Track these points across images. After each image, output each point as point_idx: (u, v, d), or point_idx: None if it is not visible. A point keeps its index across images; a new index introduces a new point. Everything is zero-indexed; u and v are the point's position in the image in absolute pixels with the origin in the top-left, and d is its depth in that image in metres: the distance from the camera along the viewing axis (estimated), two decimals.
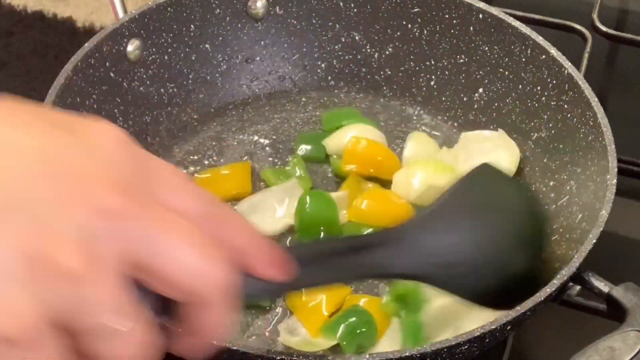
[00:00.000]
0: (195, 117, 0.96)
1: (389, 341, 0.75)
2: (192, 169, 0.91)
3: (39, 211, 0.40)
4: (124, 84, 0.89)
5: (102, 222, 0.41)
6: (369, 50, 0.98)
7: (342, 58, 0.99)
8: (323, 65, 1.00)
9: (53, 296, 0.39)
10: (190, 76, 0.95)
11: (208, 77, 0.96)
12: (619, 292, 0.69)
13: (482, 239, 0.60)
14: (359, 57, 0.99)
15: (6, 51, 2.02)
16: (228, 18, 0.96)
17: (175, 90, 0.94)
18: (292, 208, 0.84)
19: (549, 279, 0.66)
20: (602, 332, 0.66)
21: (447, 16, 0.93)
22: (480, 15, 0.91)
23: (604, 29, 1.04)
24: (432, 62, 0.96)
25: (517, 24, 0.89)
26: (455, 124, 0.96)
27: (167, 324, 0.46)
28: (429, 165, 0.87)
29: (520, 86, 0.90)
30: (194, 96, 0.96)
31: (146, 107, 0.92)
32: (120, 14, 0.99)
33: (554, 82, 0.86)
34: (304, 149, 0.93)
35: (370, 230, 0.82)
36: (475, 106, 0.95)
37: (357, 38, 0.98)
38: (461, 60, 0.95)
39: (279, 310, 0.79)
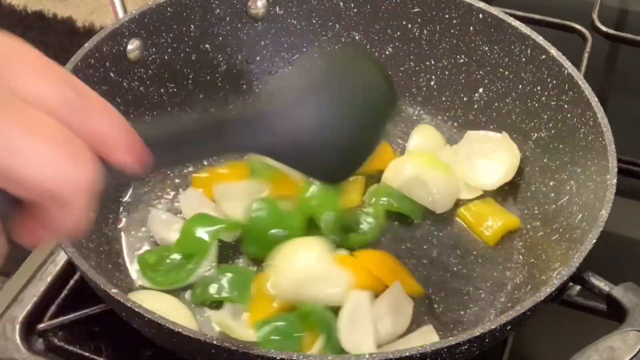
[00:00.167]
0: (195, 117, 0.96)
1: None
2: (191, 168, 0.91)
3: None
4: (124, 84, 0.89)
5: None
6: (368, 50, 0.98)
7: None
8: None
9: None
10: (190, 76, 0.95)
11: (208, 77, 0.96)
12: (619, 292, 0.69)
13: (335, 120, 0.59)
14: None
15: None
16: (228, 18, 0.96)
17: (175, 90, 0.94)
18: None
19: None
20: (602, 332, 0.66)
21: (447, 16, 0.93)
22: (480, 15, 0.91)
23: (604, 29, 1.04)
24: (432, 62, 0.96)
25: (517, 24, 0.89)
26: (455, 124, 0.96)
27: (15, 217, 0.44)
28: (422, 159, 0.88)
29: (520, 86, 0.90)
30: (194, 96, 0.96)
31: (146, 107, 0.92)
32: (120, 14, 0.99)
33: (554, 82, 0.86)
34: None
35: None
36: (475, 106, 0.95)
37: (357, 38, 0.98)
38: (461, 60, 0.95)
39: None
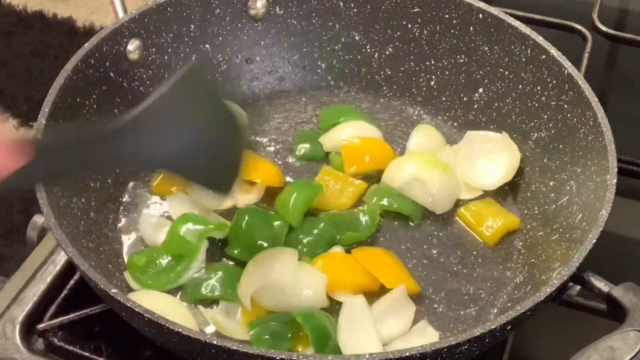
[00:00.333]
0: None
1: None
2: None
3: None
4: (124, 84, 0.89)
5: None
6: (369, 50, 0.98)
7: (342, 58, 0.99)
8: (323, 65, 1.00)
9: None
10: None
11: (208, 77, 0.96)
12: (619, 292, 0.69)
13: (198, 132, 0.71)
14: (359, 57, 0.99)
15: (6, 51, 2.03)
16: (228, 18, 0.96)
17: None
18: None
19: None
20: (602, 332, 0.66)
21: (447, 16, 0.93)
22: (480, 15, 0.91)
23: (604, 29, 1.04)
24: (432, 62, 0.96)
25: (517, 24, 0.89)
26: (455, 124, 0.96)
27: None
28: (422, 159, 0.88)
29: (520, 86, 0.90)
30: None
31: None
32: (120, 14, 0.99)
33: (554, 82, 0.86)
34: (302, 148, 0.93)
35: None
36: (475, 106, 0.95)
37: (357, 38, 0.98)
38: (461, 60, 0.95)
39: None
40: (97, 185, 0.85)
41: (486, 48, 0.92)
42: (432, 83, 0.97)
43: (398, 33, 0.97)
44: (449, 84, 0.96)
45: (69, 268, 0.81)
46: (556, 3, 1.16)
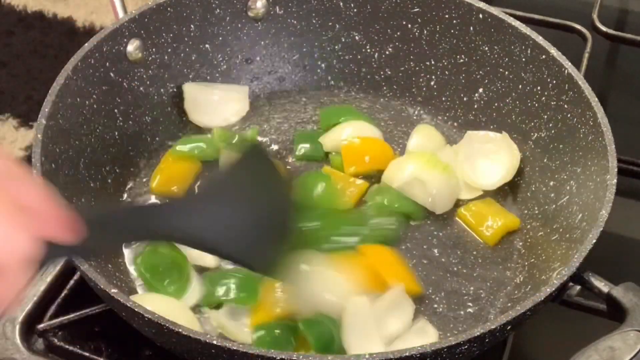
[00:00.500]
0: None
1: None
2: None
3: None
4: (124, 84, 0.89)
5: None
6: (369, 50, 0.98)
7: (342, 58, 0.99)
8: (323, 65, 1.00)
9: None
10: (190, 76, 0.95)
11: (208, 77, 0.96)
12: (619, 292, 0.69)
13: (248, 215, 0.67)
14: (359, 57, 0.99)
15: (6, 51, 2.02)
16: (228, 18, 0.96)
17: (175, 90, 0.94)
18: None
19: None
20: (602, 332, 0.66)
21: (447, 16, 0.93)
22: (480, 15, 0.91)
23: (604, 29, 1.04)
24: (432, 62, 0.96)
25: (517, 24, 0.89)
26: (455, 124, 0.96)
27: None
28: (422, 159, 0.88)
29: (520, 86, 0.90)
30: None
31: (146, 107, 0.92)
32: (120, 14, 0.99)
33: (554, 82, 0.86)
34: (302, 148, 0.93)
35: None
36: (475, 106, 0.95)
37: (357, 38, 0.98)
38: (461, 60, 0.95)
39: None
40: (97, 185, 0.85)
41: (486, 48, 0.92)
42: (432, 83, 0.97)
43: (398, 33, 0.97)
44: (449, 84, 0.96)
45: (69, 268, 0.81)
46: (556, 3, 1.16)
